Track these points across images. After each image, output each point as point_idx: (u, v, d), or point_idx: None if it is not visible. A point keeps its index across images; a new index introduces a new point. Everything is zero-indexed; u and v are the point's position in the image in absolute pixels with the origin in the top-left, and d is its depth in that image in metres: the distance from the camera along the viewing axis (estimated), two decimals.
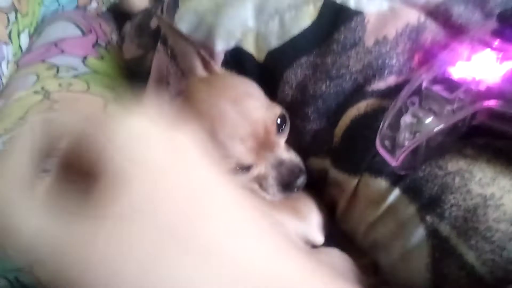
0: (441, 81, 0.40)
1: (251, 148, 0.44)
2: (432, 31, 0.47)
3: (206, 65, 0.51)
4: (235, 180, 0.43)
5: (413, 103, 0.40)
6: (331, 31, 0.50)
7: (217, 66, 0.52)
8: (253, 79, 0.51)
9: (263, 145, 0.45)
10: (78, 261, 0.19)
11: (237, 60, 0.53)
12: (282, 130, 0.48)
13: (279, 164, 0.47)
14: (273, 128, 0.46)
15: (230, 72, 0.53)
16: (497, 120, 0.38)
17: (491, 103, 0.37)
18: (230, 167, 0.44)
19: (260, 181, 0.47)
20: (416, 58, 0.47)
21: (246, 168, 0.46)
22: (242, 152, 0.44)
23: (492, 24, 0.41)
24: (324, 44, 0.50)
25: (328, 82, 0.49)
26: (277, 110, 0.48)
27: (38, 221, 0.19)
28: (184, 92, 0.52)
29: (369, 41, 0.48)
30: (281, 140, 0.48)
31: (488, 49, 0.40)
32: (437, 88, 0.39)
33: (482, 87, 0.38)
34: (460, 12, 0.47)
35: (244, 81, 0.50)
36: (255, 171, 0.46)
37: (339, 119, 0.48)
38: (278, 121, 0.47)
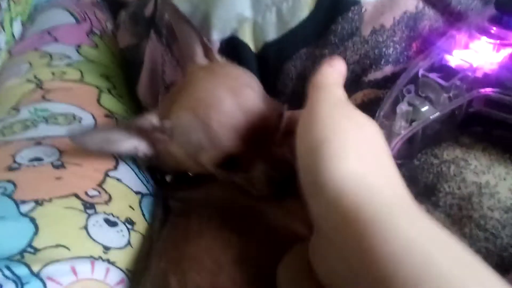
0: (438, 69, 0.40)
1: (245, 140, 0.42)
2: (430, 18, 0.47)
3: (208, 53, 0.49)
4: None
5: (409, 91, 0.40)
6: (329, 22, 0.49)
7: (217, 55, 0.51)
8: (249, 68, 0.51)
9: (258, 140, 0.43)
10: None
11: (233, 50, 0.52)
12: (279, 124, 0.45)
13: (271, 159, 0.44)
14: (272, 122, 0.44)
15: (230, 61, 0.51)
16: (493, 107, 0.38)
17: (488, 90, 0.37)
18: (219, 157, 0.42)
19: (248, 175, 0.44)
20: (414, 46, 0.47)
21: (235, 160, 0.43)
22: (234, 143, 0.42)
23: (490, 11, 0.41)
24: (322, 36, 0.50)
25: None
26: (278, 106, 0.45)
27: None
28: (183, 79, 0.51)
29: (366, 30, 0.48)
30: (277, 136, 0.46)
31: (485, 36, 0.40)
32: (433, 76, 0.39)
33: (479, 74, 0.38)
34: None
35: (246, 72, 0.48)
36: (244, 165, 0.44)
37: None
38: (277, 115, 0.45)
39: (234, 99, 0.42)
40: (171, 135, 0.44)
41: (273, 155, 0.44)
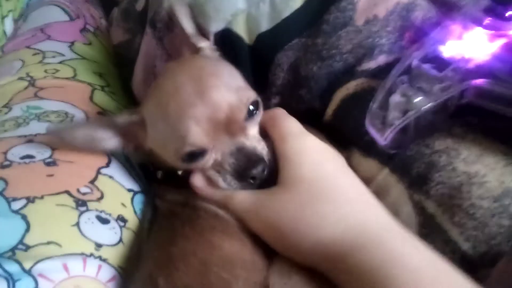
0: (431, 60, 0.40)
1: (207, 131, 0.41)
2: (423, 8, 0.47)
3: (194, 52, 0.49)
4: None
5: (403, 82, 0.40)
6: (322, 11, 0.49)
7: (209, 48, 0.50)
8: (243, 61, 0.51)
9: (224, 130, 0.42)
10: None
11: (226, 43, 0.52)
12: (253, 116, 0.44)
13: (238, 150, 0.42)
14: (241, 113, 0.42)
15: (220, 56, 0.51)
16: (485, 98, 0.38)
17: (480, 81, 0.37)
18: (181, 148, 0.41)
19: (217, 168, 0.43)
20: (407, 36, 0.46)
21: (200, 153, 0.42)
22: (195, 134, 0.40)
23: (485, 1, 0.40)
24: (315, 25, 0.50)
25: (319, 63, 0.49)
26: (250, 94, 0.43)
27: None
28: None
29: (359, 20, 0.48)
30: (251, 127, 0.44)
31: (480, 27, 0.39)
32: (426, 67, 0.39)
33: (471, 65, 0.38)
34: None
35: (219, 63, 0.47)
36: (210, 157, 0.42)
37: (331, 99, 0.48)
38: (250, 107, 0.43)
39: (193, 87, 0.41)
40: (145, 129, 0.45)
41: (239, 146, 0.42)
